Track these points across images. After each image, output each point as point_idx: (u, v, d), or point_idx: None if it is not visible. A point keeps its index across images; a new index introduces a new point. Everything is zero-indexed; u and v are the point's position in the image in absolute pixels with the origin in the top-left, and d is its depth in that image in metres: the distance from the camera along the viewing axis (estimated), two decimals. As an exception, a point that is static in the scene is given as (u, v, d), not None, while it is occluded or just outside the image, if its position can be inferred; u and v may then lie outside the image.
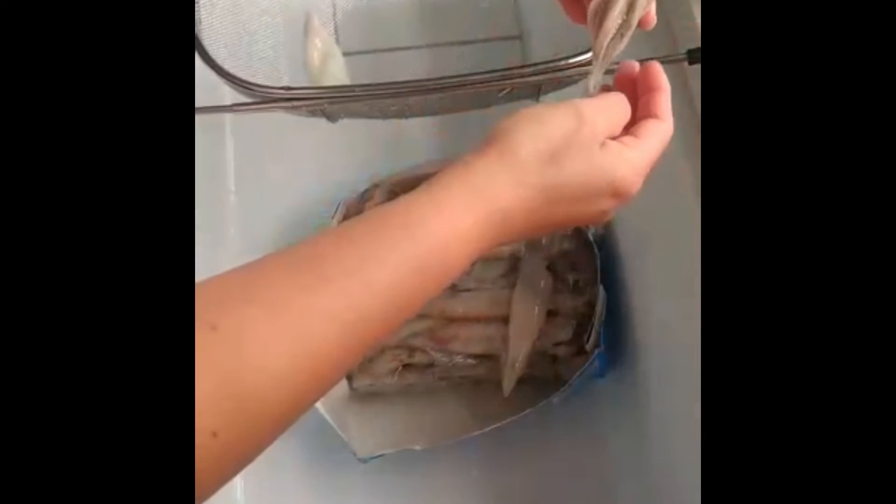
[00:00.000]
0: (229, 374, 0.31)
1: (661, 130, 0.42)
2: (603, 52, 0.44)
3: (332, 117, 0.63)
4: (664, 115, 0.43)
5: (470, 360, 0.85)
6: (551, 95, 0.64)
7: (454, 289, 0.86)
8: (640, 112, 0.43)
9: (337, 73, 0.72)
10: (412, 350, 0.86)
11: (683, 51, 0.58)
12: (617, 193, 0.40)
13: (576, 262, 0.86)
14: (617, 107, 0.42)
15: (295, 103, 0.59)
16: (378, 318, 0.35)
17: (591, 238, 0.84)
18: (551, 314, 0.85)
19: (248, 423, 0.32)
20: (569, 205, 0.40)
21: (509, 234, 0.40)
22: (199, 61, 0.58)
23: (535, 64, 0.58)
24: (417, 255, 0.36)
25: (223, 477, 0.32)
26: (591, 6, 0.44)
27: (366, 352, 0.37)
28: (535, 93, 0.63)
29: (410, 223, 0.37)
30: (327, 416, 0.80)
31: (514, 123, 0.40)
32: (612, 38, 0.44)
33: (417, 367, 0.87)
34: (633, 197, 0.41)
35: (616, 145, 0.41)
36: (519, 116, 0.41)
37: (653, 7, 0.45)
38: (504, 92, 0.61)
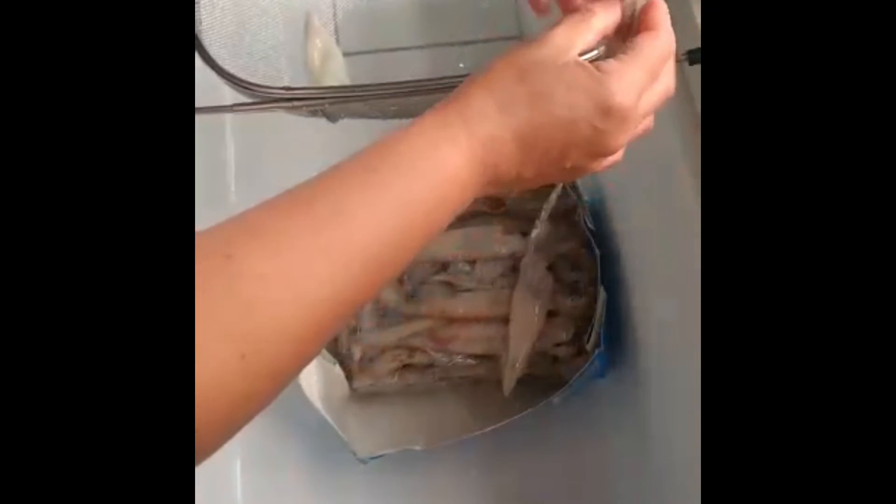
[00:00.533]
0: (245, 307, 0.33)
1: (651, 41, 0.41)
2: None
3: (332, 117, 0.63)
4: (657, 26, 0.42)
5: (470, 361, 0.85)
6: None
7: (454, 289, 0.86)
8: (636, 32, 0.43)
9: (337, 72, 0.72)
10: (412, 350, 0.86)
11: (683, 51, 0.58)
12: (608, 111, 0.40)
13: (576, 263, 0.86)
14: (581, 23, 0.42)
15: (295, 103, 0.59)
16: (380, 254, 0.37)
17: (588, 234, 0.84)
18: (551, 314, 0.85)
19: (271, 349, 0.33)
20: (558, 126, 0.39)
21: (507, 160, 0.40)
22: (198, 61, 0.58)
23: (536, 64, 0.58)
24: (414, 192, 0.38)
25: (257, 393, 0.34)
26: None
27: (369, 291, 0.38)
28: (535, 93, 0.63)
29: (402, 163, 0.38)
30: (327, 416, 0.80)
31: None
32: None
33: (417, 368, 0.87)
34: (629, 111, 0.40)
35: (592, 66, 0.40)
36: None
37: None
38: (504, 92, 0.60)
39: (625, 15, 0.43)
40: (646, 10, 0.43)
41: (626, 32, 0.43)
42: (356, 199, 0.37)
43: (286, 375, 0.35)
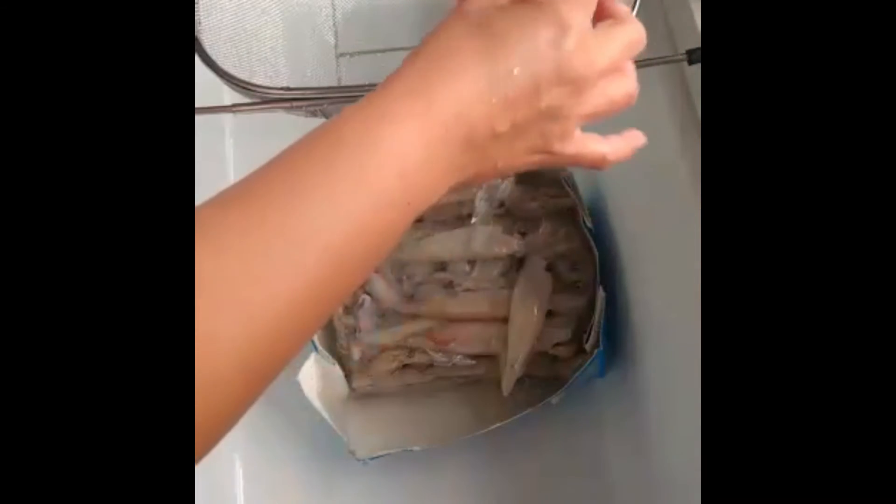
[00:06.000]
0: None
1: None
2: None
3: (331, 118, 0.63)
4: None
5: (469, 361, 0.86)
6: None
7: (453, 289, 0.86)
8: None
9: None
10: (411, 350, 0.86)
11: (683, 51, 0.58)
12: (562, 25, 0.38)
13: (575, 263, 0.86)
14: None
15: (294, 104, 0.59)
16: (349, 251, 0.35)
17: (588, 234, 0.84)
18: (551, 314, 0.85)
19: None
20: (516, 56, 0.37)
21: (474, 118, 0.37)
22: (198, 62, 0.58)
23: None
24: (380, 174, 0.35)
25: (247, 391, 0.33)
26: None
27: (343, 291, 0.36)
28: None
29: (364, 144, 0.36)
30: (327, 417, 0.80)
31: None
32: None
33: (417, 368, 0.87)
34: (585, 31, 0.39)
35: None
36: None
37: None
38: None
39: None
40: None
41: None
42: (290, 185, 0.34)
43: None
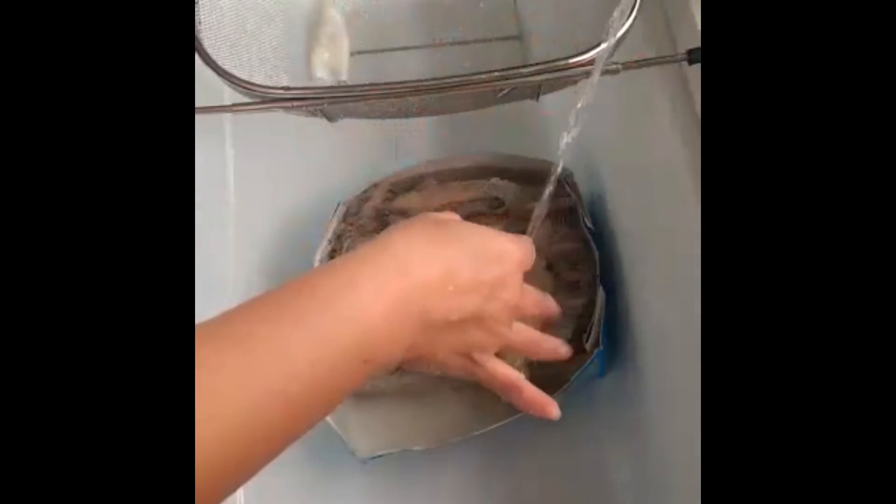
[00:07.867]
0: None
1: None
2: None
3: (331, 117, 0.63)
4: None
5: (469, 361, 0.85)
6: (550, 96, 0.64)
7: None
8: None
9: (334, 63, 0.72)
10: (412, 350, 0.86)
11: (683, 51, 0.58)
12: (501, 250, 0.48)
13: (575, 263, 0.86)
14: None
15: (294, 103, 0.59)
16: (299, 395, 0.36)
17: (588, 234, 0.84)
18: (551, 314, 0.84)
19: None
20: (471, 260, 0.45)
21: (434, 297, 0.42)
22: (198, 61, 0.58)
23: (535, 64, 0.58)
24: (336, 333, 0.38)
25: None
26: None
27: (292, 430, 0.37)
28: (535, 93, 0.63)
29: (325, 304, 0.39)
30: (327, 416, 0.80)
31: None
32: None
33: (417, 368, 0.86)
34: (514, 265, 0.49)
35: None
36: None
37: None
38: (503, 92, 0.61)
39: None
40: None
41: None
42: (264, 331, 0.36)
43: None
